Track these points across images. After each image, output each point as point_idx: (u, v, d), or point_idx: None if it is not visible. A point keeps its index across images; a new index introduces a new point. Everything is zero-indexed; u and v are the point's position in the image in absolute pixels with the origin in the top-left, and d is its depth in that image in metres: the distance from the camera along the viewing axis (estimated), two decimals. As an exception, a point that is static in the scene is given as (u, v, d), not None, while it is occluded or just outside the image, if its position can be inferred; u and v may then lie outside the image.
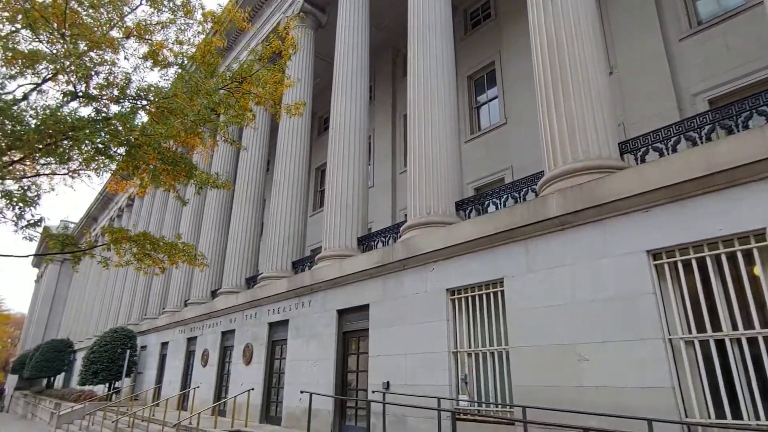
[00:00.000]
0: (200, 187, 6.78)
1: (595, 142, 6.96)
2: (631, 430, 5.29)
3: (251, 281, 15.49)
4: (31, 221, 6.59)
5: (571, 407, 6.13)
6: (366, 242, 11.46)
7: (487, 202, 9.01)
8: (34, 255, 6.50)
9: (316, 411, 10.48)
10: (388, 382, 8.96)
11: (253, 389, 12.38)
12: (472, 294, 8.17)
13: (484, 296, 7.97)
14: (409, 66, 10.86)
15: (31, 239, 7.10)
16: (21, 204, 6.33)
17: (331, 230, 11.86)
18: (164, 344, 20.28)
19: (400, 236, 9.83)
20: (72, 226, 42.85)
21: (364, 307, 10.14)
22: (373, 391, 9.01)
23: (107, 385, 21.57)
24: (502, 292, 7.65)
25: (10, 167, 6.88)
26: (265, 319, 13.45)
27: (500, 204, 8.70)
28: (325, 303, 11.30)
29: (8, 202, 6.50)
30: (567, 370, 6.45)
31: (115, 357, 20.98)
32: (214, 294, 17.63)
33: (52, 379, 34.48)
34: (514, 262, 7.45)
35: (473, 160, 13.76)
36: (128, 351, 21.00)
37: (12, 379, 45.31)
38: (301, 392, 9.55)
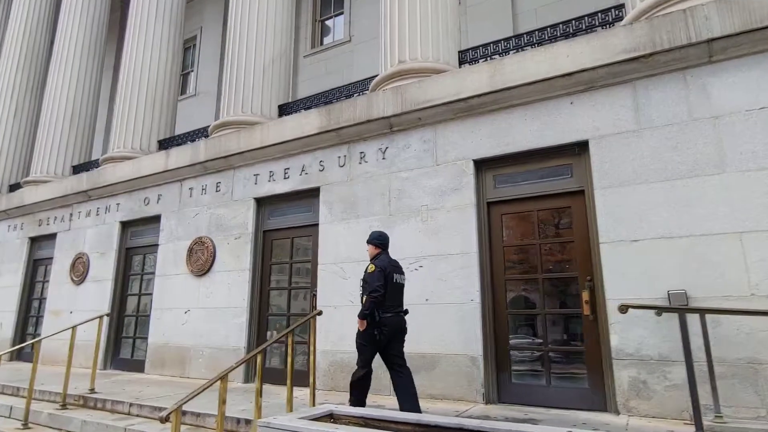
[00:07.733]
0: None
1: None
2: None
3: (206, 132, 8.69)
4: None
5: None
6: None
7: None
8: None
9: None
10: (685, 293, 4.03)
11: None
12: None
13: None
14: None
15: None
16: None
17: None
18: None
19: None
20: None
21: (580, 145, 4.90)
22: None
23: None
24: None
25: None
26: (251, 193, 7.10)
27: None
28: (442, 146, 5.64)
29: None
30: None
31: None
32: (92, 164, 10.02)
33: None
34: None
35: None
36: None
37: None
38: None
